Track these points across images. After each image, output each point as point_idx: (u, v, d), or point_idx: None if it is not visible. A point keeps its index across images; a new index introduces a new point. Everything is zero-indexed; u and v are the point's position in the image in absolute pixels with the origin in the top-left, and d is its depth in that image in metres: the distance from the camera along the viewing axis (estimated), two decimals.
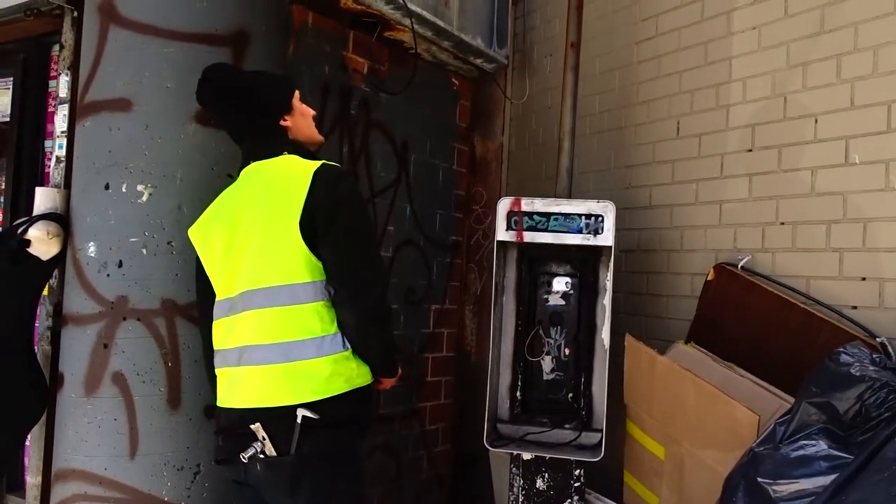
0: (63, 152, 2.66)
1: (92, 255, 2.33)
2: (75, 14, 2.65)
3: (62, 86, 2.71)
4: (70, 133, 2.61)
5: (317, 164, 1.92)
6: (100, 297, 2.31)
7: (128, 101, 2.32)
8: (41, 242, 2.39)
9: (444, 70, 3.75)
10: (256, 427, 1.83)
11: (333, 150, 3.12)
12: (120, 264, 2.29)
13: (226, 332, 1.96)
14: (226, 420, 1.96)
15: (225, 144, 2.41)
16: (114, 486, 2.26)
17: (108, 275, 2.30)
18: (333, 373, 1.86)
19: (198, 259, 2.07)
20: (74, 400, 2.32)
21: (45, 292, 2.60)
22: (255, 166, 2.03)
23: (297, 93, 2.14)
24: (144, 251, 2.30)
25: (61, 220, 2.44)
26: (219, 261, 1.98)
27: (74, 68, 2.62)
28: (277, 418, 1.84)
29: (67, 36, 2.70)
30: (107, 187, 2.32)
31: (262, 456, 1.84)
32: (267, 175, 1.99)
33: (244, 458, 1.85)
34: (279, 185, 1.92)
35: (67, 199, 2.49)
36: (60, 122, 2.69)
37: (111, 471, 2.26)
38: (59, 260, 2.46)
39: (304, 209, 1.84)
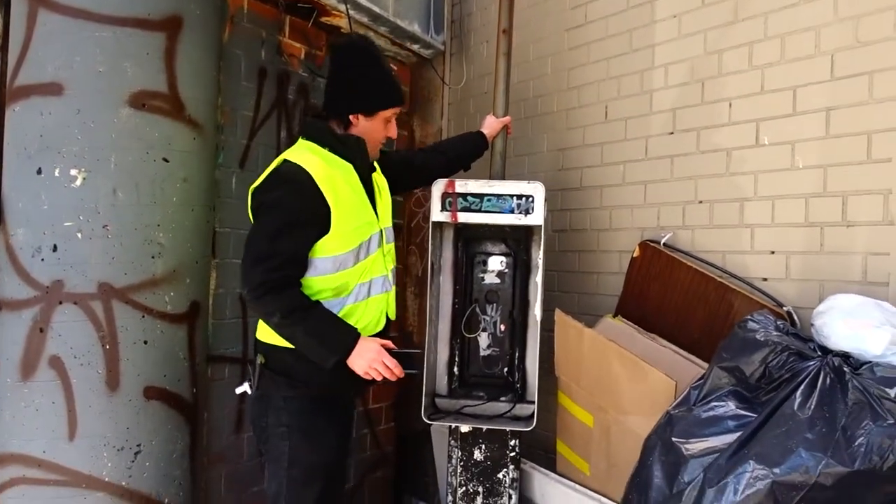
0: None
1: (25, 239, 2.33)
2: None
3: None
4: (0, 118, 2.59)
5: (279, 162, 2.17)
6: (34, 282, 2.31)
7: (59, 86, 2.32)
8: None
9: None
10: (249, 367, 2.31)
11: (271, 134, 3.16)
12: (55, 248, 2.30)
13: None
14: None
15: (159, 129, 2.44)
16: (53, 469, 2.28)
17: (42, 259, 2.31)
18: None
19: None
20: (10, 385, 2.32)
21: None
22: None
23: (394, 109, 2.31)
24: (79, 235, 2.31)
25: None
26: None
27: (2, 52, 2.59)
28: (257, 354, 2.25)
29: None
30: (39, 172, 2.32)
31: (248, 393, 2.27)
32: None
33: (237, 391, 2.31)
34: (260, 178, 2.20)
35: None
36: None
37: (49, 453, 2.28)
38: None
39: (251, 202, 2.18)
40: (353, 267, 2.20)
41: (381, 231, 2.33)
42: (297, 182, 2.09)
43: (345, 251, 2.17)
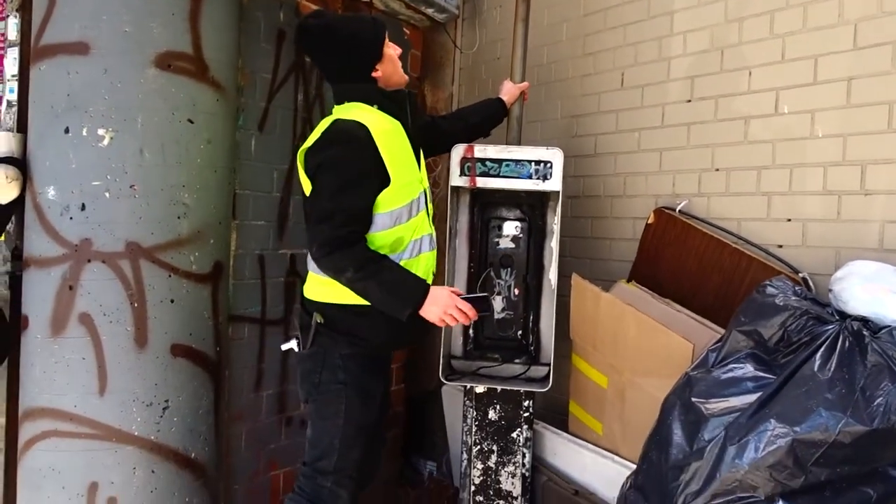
0: (14, 96, 2.62)
1: (53, 198, 2.34)
2: None
3: (11, 28, 2.65)
4: (22, 77, 2.58)
5: (331, 121, 2.18)
6: (63, 240, 2.33)
7: (85, 45, 2.32)
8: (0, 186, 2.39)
9: (395, 19, 3.79)
10: (295, 323, 2.34)
11: (289, 97, 3.16)
12: (83, 207, 2.32)
13: None
14: None
15: (184, 90, 2.45)
16: (84, 423, 2.32)
17: (70, 218, 2.33)
18: (327, 283, 2.20)
19: None
20: (40, 341, 2.36)
21: (2, 238, 2.60)
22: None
23: (386, 36, 2.30)
24: (107, 195, 2.33)
25: (19, 163, 2.44)
26: None
27: (24, 10, 2.58)
28: (308, 313, 2.26)
29: None
30: (67, 131, 2.32)
31: (296, 350, 2.32)
32: (320, 123, 2.27)
33: (283, 348, 2.37)
34: (311, 138, 2.23)
35: (23, 143, 2.48)
36: (11, 65, 2.65)
37: (81, 407, 2.32)
38: (17, 204, 2.46)
39: (304, 162, 2.21)
40: (407, 222, 2.23)
41: (425, 190, 2.37)
42: (355, 137, 2.12)
43: (400, 205, 2.20)
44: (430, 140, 2.71)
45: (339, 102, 2.31)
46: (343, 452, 2.24)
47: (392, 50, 2.33)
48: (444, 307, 2.14)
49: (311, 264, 2.28)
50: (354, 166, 2.12)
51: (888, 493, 1.89)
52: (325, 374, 2.23)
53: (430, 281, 2.34)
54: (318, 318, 2.22)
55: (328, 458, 2.25)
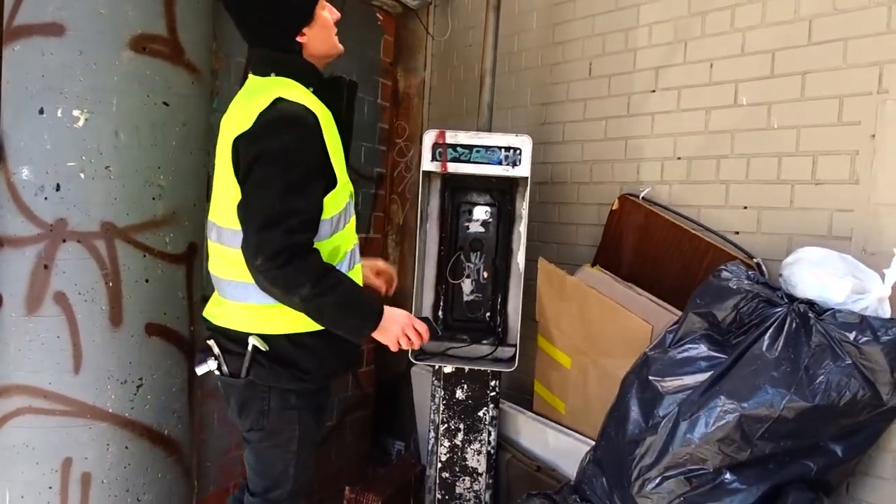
0: None
1: (27, 178, 2.36)
2: None
3: None
4: None
5: (269, 100, 1.78)
6: (38, 220, 2.36)
7: (60, 26, 2.33)
8: None
9: (369, 5, 3.83)
10: (212, 343, 1.99)
11: None
12: (58, 188, 2.34)
13: (210, 254, 2.04)
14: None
15: (159, 72, 2.48)
16: (59, 400, 2.36)
17: (45, 198, 2.35)
18: (275, 314, 1.88)
19: None
20: (15, 319, 2.38)
21: None
22: (249, 81, 1.94)
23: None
24: (82, 175, 2.35)
25: None
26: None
27: None
28: (234, 340, 1.94)
29: None
30: (41, 112, 2.34)
31: (217, 373, 2.00)
32: (243, 99, 1.90)
33: (198, 372, 2.02)
34: (238, 118, 1.83)
35: None
36: None
37: (55, 385, 2.36)
38: None
39: (234, 151, 1.81)
40: (343, 229, 1.95)
41: (351, 195, 2.05)
42: (305, 125, 1.76)
43: (339, 210, 1.91)
44: None
45: (262, 73, 1.91)
46: (297, 477, 2.02)
47: (328, 13, 1.94)
48: (403, 327, 1.90)
49: (230, 289, 1.94)
50: (305, 159, 1.77)
51: (827, 466, 2.03)
52: (275, 400, 1.93)
53: None
54: (259, 344, 1.88)
55: (282, 487, 2.02)
